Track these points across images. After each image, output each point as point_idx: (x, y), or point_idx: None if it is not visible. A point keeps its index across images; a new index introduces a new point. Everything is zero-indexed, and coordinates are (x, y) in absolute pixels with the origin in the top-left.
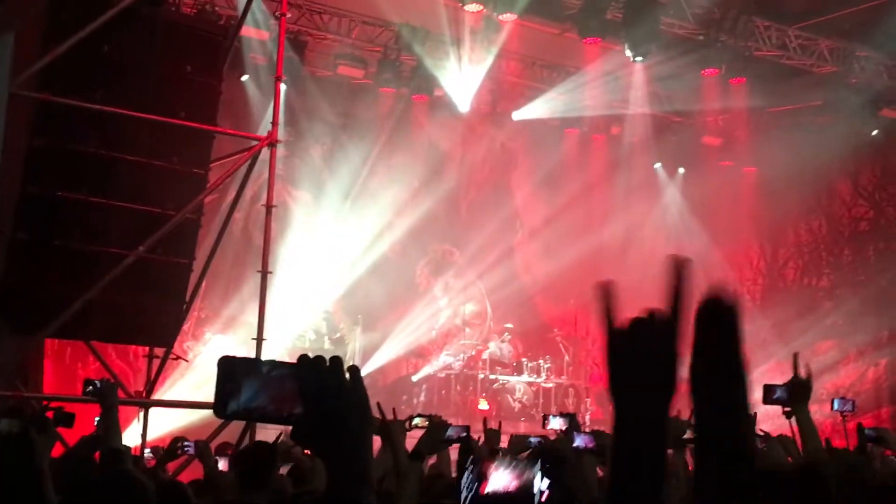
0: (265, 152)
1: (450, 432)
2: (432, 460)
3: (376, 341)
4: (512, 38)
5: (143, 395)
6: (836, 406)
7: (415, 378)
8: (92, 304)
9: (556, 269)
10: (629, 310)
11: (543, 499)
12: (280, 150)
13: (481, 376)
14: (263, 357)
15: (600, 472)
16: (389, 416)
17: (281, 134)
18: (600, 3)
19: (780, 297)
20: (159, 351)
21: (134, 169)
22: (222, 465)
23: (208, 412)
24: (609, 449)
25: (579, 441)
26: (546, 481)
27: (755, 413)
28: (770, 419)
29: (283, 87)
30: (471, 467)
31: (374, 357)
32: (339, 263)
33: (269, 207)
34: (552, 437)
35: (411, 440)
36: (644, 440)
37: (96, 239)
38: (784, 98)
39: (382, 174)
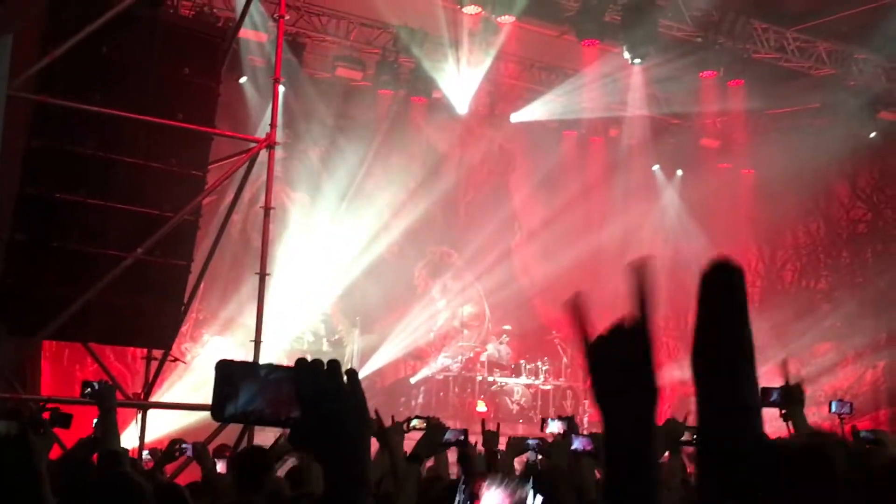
0: (263, 154)
1: (448, 435)
2: (430, 462)
3: (374, 343)
4: (510, 40)
5: (141, 396)
6: (833, 408)
7: (413, 380)
8: (90, 305)
9: (555, 271)
10: (628, 309)
11: None
12: (278, 152)
13: (479, 378)
14: (262, 359)
15: (598, 475)
16: (387, 422)
17: (279, 136)
18: (598, 5)
19: (778, 300)
20: (157, 353)
21: (132, 170)
22: (220, 467)
23: (206, 414)
24: (602, 455)
25: (577, 444)
26: (539, 499)
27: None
28: (768, 422)
29: (281, 88)
30: (463, 487)
31: (373, 359)
32: (337, 265)
33: (267, 209)
34: (550, 440)
35: (409, 442)
36: (633, 444)
37: (94, 240)
38: (782, 100)
39: (381, 176)
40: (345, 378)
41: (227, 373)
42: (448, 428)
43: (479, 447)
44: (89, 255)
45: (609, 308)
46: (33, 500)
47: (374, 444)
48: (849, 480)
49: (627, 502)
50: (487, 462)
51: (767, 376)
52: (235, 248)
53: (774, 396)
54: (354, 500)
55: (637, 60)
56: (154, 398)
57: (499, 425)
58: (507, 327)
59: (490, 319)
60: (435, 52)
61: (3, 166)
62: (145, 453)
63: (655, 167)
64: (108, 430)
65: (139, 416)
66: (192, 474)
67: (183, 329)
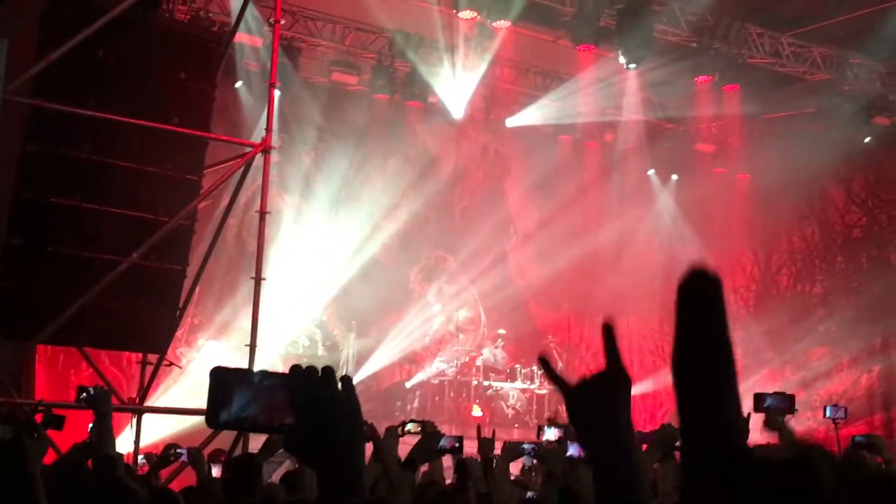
0: (259, 158)
1: (443, 442)
2: (424, 468)
3: (370, 347)
4: (506, 44)
5: (137, 401)
6: (828, 413)
7: (408, 384)
8: (85, 309)
9: (550, 276)
10: (625, 313)
11: None
12: (273, 157)
13: (475, 382)
14: (257, 364)
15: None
16: (382, 426)
17: (275, 140)
18: (594, 10)
19: (773, 304)
20: (152, 357)
21: (127, 175)
22: (215, 471)
23: (201, 419)
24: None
25: (573, 451)
26: None
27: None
28: (758, 429)
29: (276, 93)
30: None
31: (368, 363)
32: (332, 270)
33: (262, 214)
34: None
35: (405, 446)
36: (616, 473)
37: (89, 245)
38: (777, 105)
39: (376, 180)
40: (339, 384)
41: (222, 379)
42: (443, 435)
43: (475, 454)
44: (84, 260)
45: (605, 310)
46: None
47: (368, 449)
48: (835, 494)
49: None
50: (484, 469)
51: (762, 382)
52: (231, 253)
53: (768, 402)
54: None
55: (632, 65)
56: (149, 402)
57: (494, 432)
58: (503, 331)
59: (485, 324)
60: (430, 56)
61: None
62: (140, 458)
63: (650, 171)
64: (104, 434)
65: (134, 420)
66: (188, 479)
67: (178, 333)
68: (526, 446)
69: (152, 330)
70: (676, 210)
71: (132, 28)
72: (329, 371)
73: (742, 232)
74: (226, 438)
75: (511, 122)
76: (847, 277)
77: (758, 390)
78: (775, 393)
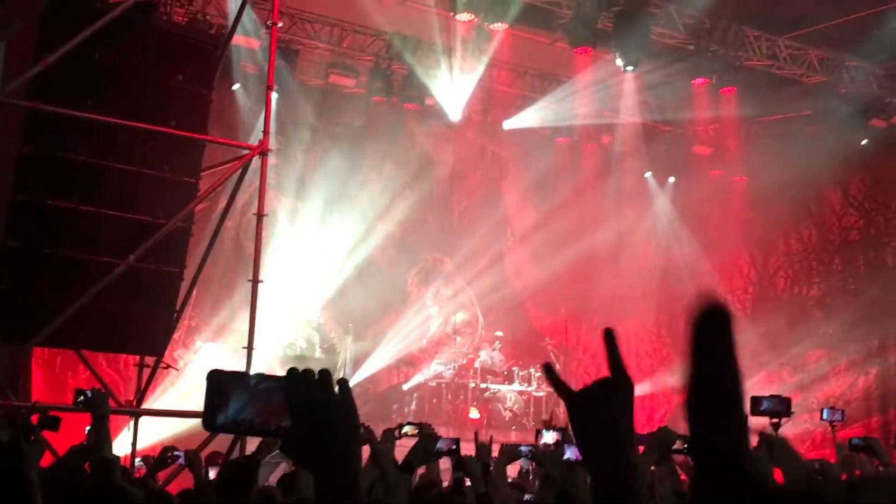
0: (256, 161)
1: (440, 444)
2: (422, 470)
3: (367, 350)
4: (503, 47)
5: (134, 403)
6: (825, 416)
7: (406, 387)
8: (82, 312)
9: (547, 278)
10: (622, 315)
11: None
12: (271, 159)
13: (472, 385)
14: (255, 366)
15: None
16: (379, 429)
17: (272, 143)
18: (591, 12)
19: (770, 306)
20: (150, 360)
21: (124, 177)
22: (212, 474)
23: (199, 421)
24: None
25: (570, 453)
26: None
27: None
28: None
29: (274, 95)
30: None
31: (365, 366)
32: (329, 273)
33: (260, 216)
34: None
35: (401, 448)
36: (615, 477)
37: (87, 247)
38: (774, 107)
39: (373, 183)
40: (336, 388)
41: (218, 383)
42: (440, 437)
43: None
44: (81, 262)
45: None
46: None
47: (365, 452)
48: None
49: None
50: (483, 471)
51: (759, 384)
52: (228, 255)
53: (765, 405)
54: None
55: (629, 67)
56: (146, 405)
57: (491, 437)
58: (500, 334)
59: (483, 326)
60: (428, 59)
61: None
62: (138, 460)
63: (648, 174)
64: (101, 437)
65: (131, 423)
66: (185, 482)
67: (175, 336)
68: (523, 449)
69: (149, 332)
70: (673, 212)
71: (130, 30)
72: (326, 374)
73: (739, 234)
74: (223, 441)
75: (508, 124)
76: (844, 280)
77: (755, 393)
78: (771, 396)
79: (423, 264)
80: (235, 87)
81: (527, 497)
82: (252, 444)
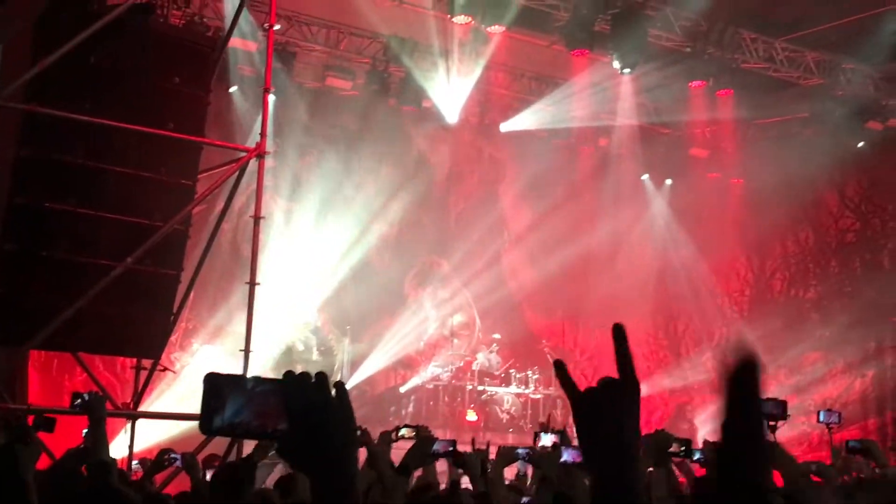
0: (253, 163)
1: (436, 446)
2: (418, 472)
3: (364, 352)
4: (500, 49)
5: (131, 406)
6: (822, 418)
7: (403, 389)
8: (79, 315)
9: (544, 281)
10: (619, 318)
11: None
12: (268, 162)
13: (469, 387)
14: (252, 369)
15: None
16: (376, 432)
17: (269, 145)
18: (588, 15)
19: (766, 309)
20: (147, 362)
21: (121, 180)
22: (209, 477)
23: (196, 423)
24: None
25: (567, 456)
26: None
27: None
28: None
29: (271, 98)
30: None
31: (362, 368)
32: (326, 275)
33: (257, 219)
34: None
35: (398, 451)
36: (617, 480)
37: (84, 250)
38: (771, 110)
39: (369, 185)
40: (332, 390)
41: (215, 385)
42: (437, 439)
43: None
44: (79, 265)
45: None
46: None
47: (362, 454)
48: None
49: None
50: (482, 469)
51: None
52: (225, 258)
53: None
54: None
55: (626, 70)
56: (143, 407)
57: (488, 443)
58: (497, 336)
59: (480, 328)
60: (425, 61)
61: None
62: (135, 463)
63: (645, 176)
64: (98, 440)
65: (128, 425)
66: (182, 484)
67: (172, 338)
68: (520, 451)
69: (147, 335)
70: (670, 215)
71: (127, 33)
72: (322, 377)
73: (736, 236)
74: (220, 443)
75: (505, 126)
76: (841, 282)
77: None
78: (767, 399)
79: (420, 266)
80: (232, 89)
81: (524, 500)
82: (249, 446)
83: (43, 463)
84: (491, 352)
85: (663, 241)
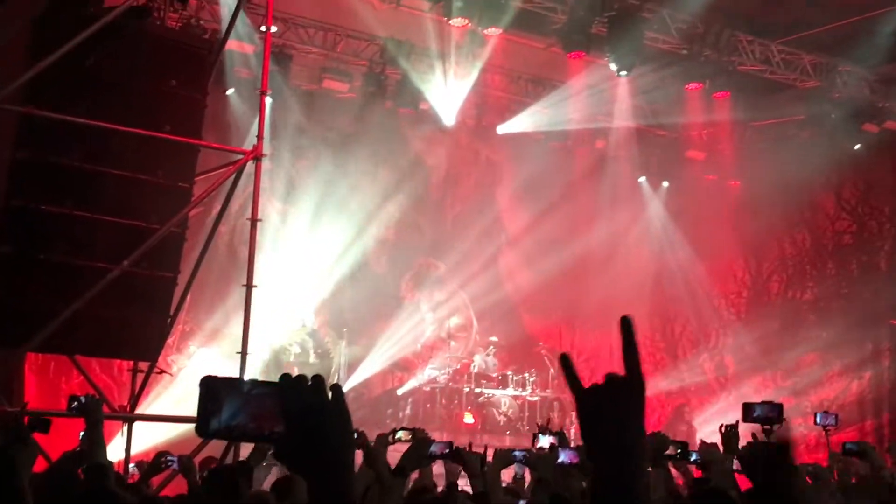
0: (250, 166)
1: (433, 448)
2: (415, 475)
3: (361, 354)
4: (497, 52)
5: (127, 409)
6: (818, 420)
7: (400, 391)
8: (76, 317)
9: (541, 283)
10: (616, 320)
11: None
12: (265, 164)
13: (467, 389)
14: (249, 371)
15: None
16: (373, 434)
17: (266, 148)
18: (585, 17)
19: (764, 311)
20: (143, 365)
21: (118, 182)
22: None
23: (192, 426)
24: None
25: (564, 457)
26: None
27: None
28: (745, 438)
29: (268, 100)
30: None
31: (359, 370)
32: (323, 277)
33: (253, 221)
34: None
35: (395, 453)
36: (617, 479)
37: (81, 252)
38: (767, 112)
39: (366, 187)
40: (329, 393)
41: (212, 388)
42: (433, 441)
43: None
44: (75, 267)
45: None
46: None
47: (358, 456)
48: None
49: None
50: (480, 467)
51: (752, 389)
52: (222, 260)
53: (757, 412)
54: None
55: (623, 72)
56: (140, 410)
57: (486, 448)
58: (494, 339)
59: (477, 331)
60: (422, 63)
61: None
62: (131, 466)
63: (641, 178)
64: (95, 443)
65: (125, 428)
66: (179, 486)
67: (169, 341)
68: (517, 454)
69: (143, 337)
70: (667, 217)
71: (123, 36)
72: (319, 380)
73: (733, 239)
74: (217, 446)
75: (502, 128)
76: (838, 284)
77: (749, 397)
78: (763, 402)
79: (417, 269)
80: (229, 92)
81: (521, 503)
82: (246, 449)
83: (39, 466)
84: (488, 354)
85: (660, 243)
